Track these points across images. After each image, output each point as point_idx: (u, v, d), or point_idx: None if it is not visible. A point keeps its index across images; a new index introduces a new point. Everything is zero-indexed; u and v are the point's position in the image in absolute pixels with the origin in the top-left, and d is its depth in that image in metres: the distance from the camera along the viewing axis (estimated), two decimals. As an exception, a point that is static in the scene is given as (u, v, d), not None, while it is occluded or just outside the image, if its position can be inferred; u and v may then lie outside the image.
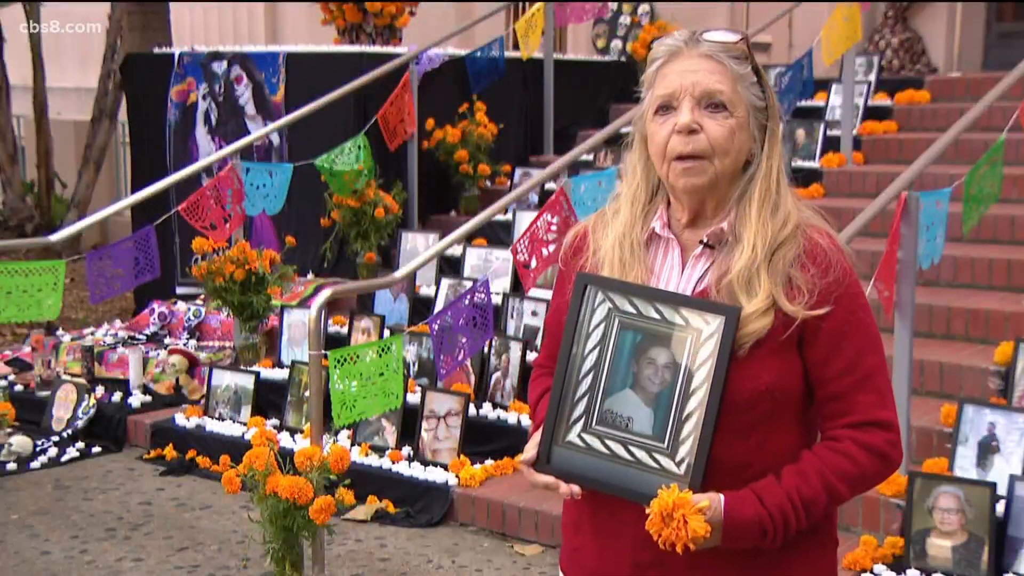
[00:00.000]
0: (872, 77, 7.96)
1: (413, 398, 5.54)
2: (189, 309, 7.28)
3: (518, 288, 6.20)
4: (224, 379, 6.12)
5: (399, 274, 5.19)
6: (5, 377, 6.88)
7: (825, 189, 6.93)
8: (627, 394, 1.86)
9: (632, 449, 1.85)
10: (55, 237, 5.92)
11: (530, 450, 1.94)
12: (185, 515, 5.16)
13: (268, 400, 6.08)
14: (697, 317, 1.83)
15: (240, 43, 12.22)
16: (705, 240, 1.93)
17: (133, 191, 7.63)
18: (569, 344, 1.91)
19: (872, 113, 7.64)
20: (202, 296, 7.25)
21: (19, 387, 6.70)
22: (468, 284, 5.92)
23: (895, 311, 4.43)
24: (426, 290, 6.81)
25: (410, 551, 4.74)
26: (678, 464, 1.82)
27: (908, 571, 4.12)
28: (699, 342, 1.82)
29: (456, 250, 6.93)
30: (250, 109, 7.95)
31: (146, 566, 4.61)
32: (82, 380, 6.49)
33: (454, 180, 7.93)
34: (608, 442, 1.87)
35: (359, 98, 7.39)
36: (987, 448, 4.36)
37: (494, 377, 5.71)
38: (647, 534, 1.78)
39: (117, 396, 6.42)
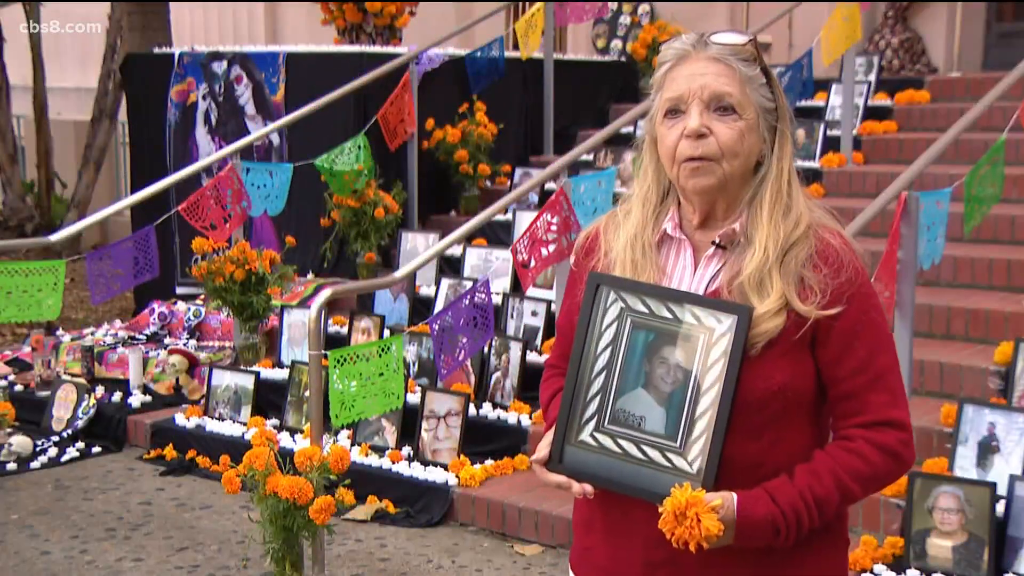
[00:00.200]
0: (872, 77, 7.96)
1: (413, 398, 5.53)
2: (189, 309, 7.28)
3: (518, 288, 6.20)
4: (224, 379, 6.12)
5: (399, 274, 5.19)
6: (5, 377, 6.88)
7: (825, 189, 6.93)
8: (639, 393, 1.87)
9: (644, 448, 1.86)
10: (55, 237, 5.92)
11: (542, 449, 1.94)
12: (185, 515, 5.16)
13: (268, 400, 6.08)
14: (709, 316, 1.84)
15: (240, 43, 12.22)
16: (717, 241, 1.94)
17: (133, 191, 7.63)
18: (581, 343, 1.91)
19: (872, 113, 7.64)
20: (202, 296, 7.25)
21: (19, 387, 6.70)
22: (468, 284, 5.92)
23: (895, 311, 4.43)
24: (426, 290, 6.81)
25: (410, 551, 4.74)
26: (691, 463, 1.83)
27: (908, 571, 4.12)
28: (711, 341, 1.83)
29: (456, 250, 6.93)
30: (250, 109, 7.95)
31: (146, 566, 4.61)
32: (82, 380, 6.50)
33: (454, 180, 7.93)
34: (621, 441, 1.87)
35: (359, 98, 7.39)
36: (987, 448, 4.36)
37: (494, 377, 5.71)
38: (659, 533, 1.79)
39: (117, 396, 6.42)
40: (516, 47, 8.14)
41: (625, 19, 10.27)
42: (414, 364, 5.97)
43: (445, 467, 5.19)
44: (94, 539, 4.89)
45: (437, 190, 7.94)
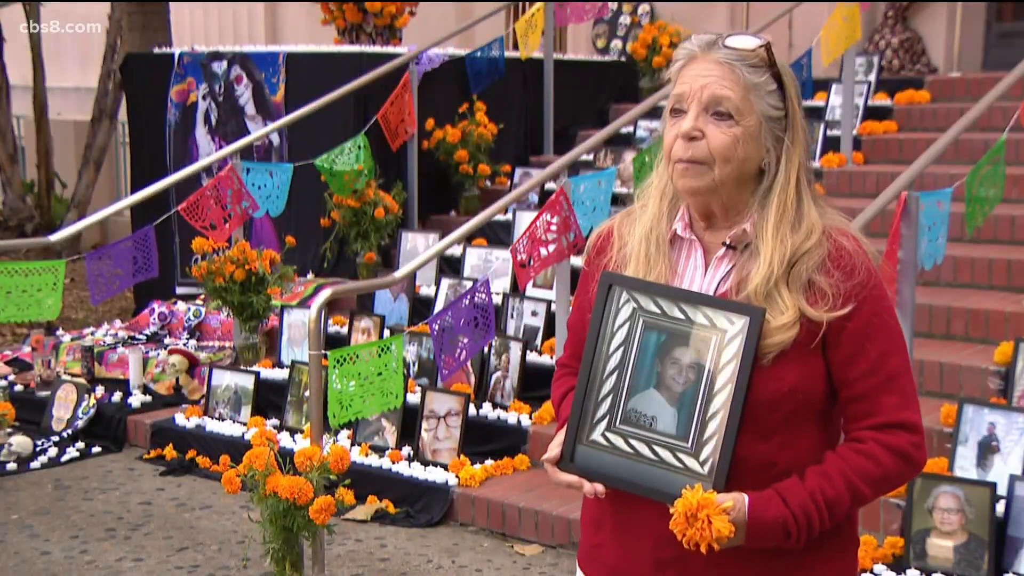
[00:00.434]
0: (872, 77, 7.96)
1: (413, 398, 5.54)
2: (189, 309, 7.28)
3: (518, 288, 6.20)
4: (224, 379, 6.12)
5: (399, 274, 5.19)
6: (5, 377, 6.88)
7: (825, 189, 6.92)
8: (651, 393, 1.87)
9: (656, 448, 1.86)
10: (55, 237, 5.92)
11: (554, 448, 1.94)
12: (185, 515, 5.16)
13: (268, 400, 6.08)
14: (722, 317, 1.84)
15: (240, 43, 12.22)
16: (728, 242, 1.94)
17: (133, 191, 7.63)
18: (593, 343, 1.92)
19: (872, 113, 7.64)
20: (202, 296, 7.25)
21: (19, 387, 6.70)
22: (468, 284, 5.92)
23: (895, 311, 4.43)
24: (426, 290, 6.81)
25: (410, 551, 4.74)
26: (702, 464, 1.83)
27: (908, 571, 4.12)
28: (723, 342, 1.83)
29: (456, 250, 6.93)
30: (250, 109, 7.95)
31: (146, 566, 4.61)
32: (82, 380, 6.50)
33: (454, 180, 7.93)
34: (632, 441, 1.87)
35: (359, 98, 7.39)
36: (987, 448, 4.36)
37: (494, 377, 5.71)
38: (669, 532, 1.79)
39: (117, 396, 6.42)
40: (516, 47, 8.14)
41: (625, 19, 10.26)
42: (414, 364, 5.97)
43: (445, 467, 5.19)
44: (94, 539, 4.89)
45: (437, 190, 7.94)
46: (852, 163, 7.11)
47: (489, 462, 5.24)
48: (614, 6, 10.25)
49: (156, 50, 8.79)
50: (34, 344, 7.02)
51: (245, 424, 5.90)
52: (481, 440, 5.36)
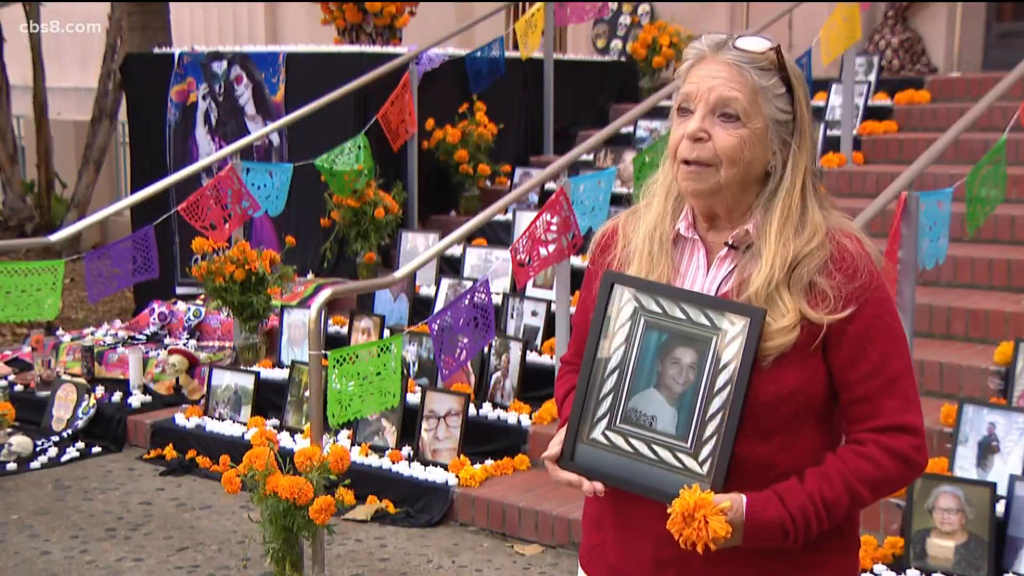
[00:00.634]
0: (872, 77, 7.96)
1: (413, 398, 5.54)
2: (189, 309, 7.28)
3: (517, 288, 6.20)
4: (224, 379, 6.12)
5: (399, 274, 5.19)
6: (5, 377, 6.88)
7: (825, 189, 6.90)
8: (651, 393, 1.88)
9: (655, 448, 1.86)
10: (55, 237, 5.92)
11: (554, 446, 1.95)
12: (185, 515, 5.16)
13: (268, 400, 6.08)
14: (722, 318, 1.84)
15: (240, 43, 12.22)
16: (730, 242, 1.93)
17: (133, 191, 7.63)
18: (595, 342, 1.92)
19: (872, 113, 7.64)
20: (202, 296, 7.25)
21: (19, 387, 6.70)
22: (468, 284, 5.92)
23: (898, 313, 4.43)
24: (426, 290, 6.81)
25: (410, 551, 4.74)
26: (701, 464, 1.83)
27: (908, 571, 4.12)
28: (724, 343, 1.83)
29: (456, 250, 6.93)
30: (250, 109, 7.95)
31: (146, 566, 4.61)
32: (82, 380, 6.50)
33: (454, 180, 7.93)
34: (632, 440, 1.88)
35: (359, 98, 7.39)
36: (987, 448, 4.36)
37: (494, 377, 5.71)
38: (669, 532, 1.79)
39: (117, 396, 6.42)
40: (516, 47, 8.14)
41: (625, 19, 10.26)
42: (414, 364, 5.97)
43: (445, 467, 5.19)
44: (94, 539, 4.89)
45: (437, 190, 7.94)
46: (852, 163, 7.11)
47: (489, 462, 5.24)
48: (614, 6, 10.24)
49: (156, 50, 8.79)
50: (34, 344, 7.02)
51: (245, 424, 5.90)
52: (481, 440, 5.36)
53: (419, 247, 7.12)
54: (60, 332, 7.48)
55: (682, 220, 1.98)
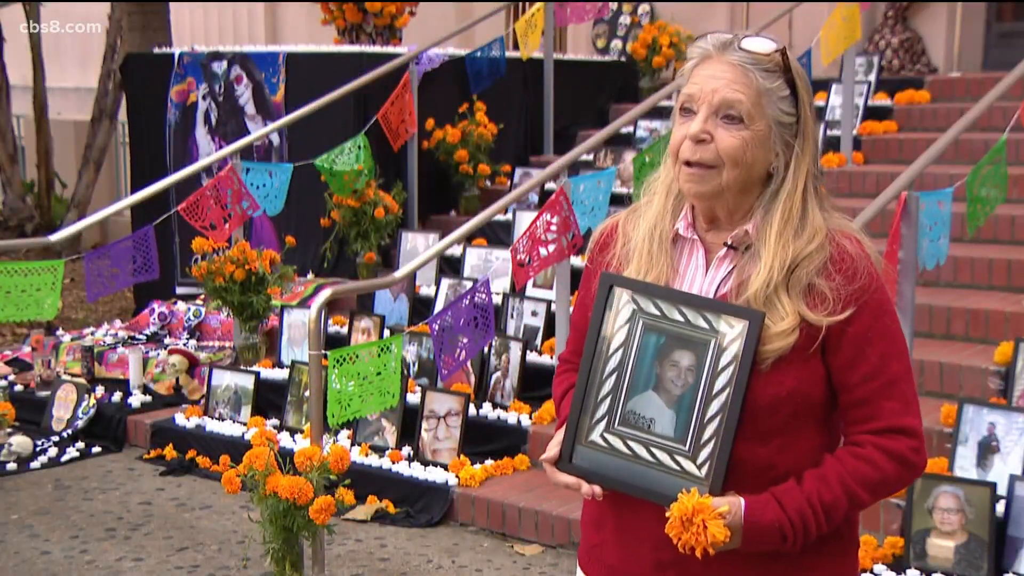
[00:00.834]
0: (872, 77, 7.96)
1: (413, 398, 5.54)
2: (189, 309, 7.28)
3: (516, 288, 6.20)
4: (224, 379, 6.12)
5: (399, 274, 5.19)
6: (5, 377, 6.88)
7: (825, 189, 6.91)
8: (650, 396, 1.87)
9: (654, 451, 1.86)
10: (55, 237, 5.92)
11: (552, 448, 1.94)
12: (185, 515, 5.16)
13: (268, 400, 6.08)
14: (721, 321, 1.84)
15: (240, 43, 12.22)
16: (729, 242, 1.93)
17: (133, 191, 7.63)
18: (593, 344, 1.92)
19: (872, 113, 7.64)
20: (202, 296, 7.25)
21: (19, 387, 6.70)
22: (468, 284, 5.92)
23: (897, 315, 4.43)
24: (426, 290, 6.81)
25: (410, 551, 4.74)
26: (699, 467, 1.83)
27: (908, 571, 4.12)
28: (722, 346, 1.83)
29: (456, 250, 6.93)
30: (250, 109, 7.95)
31: (146, 566, 4.61)
32: (82, 380, 6.49)
33: (454, 180, 7.93)
34: (630, 443, 1.87)
35: (359, 98, 7.39)
36: (987, 448, 4.36)
37: (494, 377, 5.71)
38: (668, 534, 1.79)
39: (117, 396, 6.42)
40: (516, 47, 8.14)
41: (625, 19, 10.26)
42: (414, 364, 5.97)
43: (445, 467, 5.19)
44: (94, 539, 4.89)
45: (437, 190, 7.94)
46: (852, 163, 7.11)
47: (489, 462, 5.24)
48: (614, 6, 10.24)
49: (156, 50, 8.79)
50: (34, 344, 7.02)
51: (245, 424, 5.90)
52: (481, 440, 5.36)
53: (419, 247, 7.12)
54: (60, 332, 7.48)
55: (681, 220, 1.97)
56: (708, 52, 1.90)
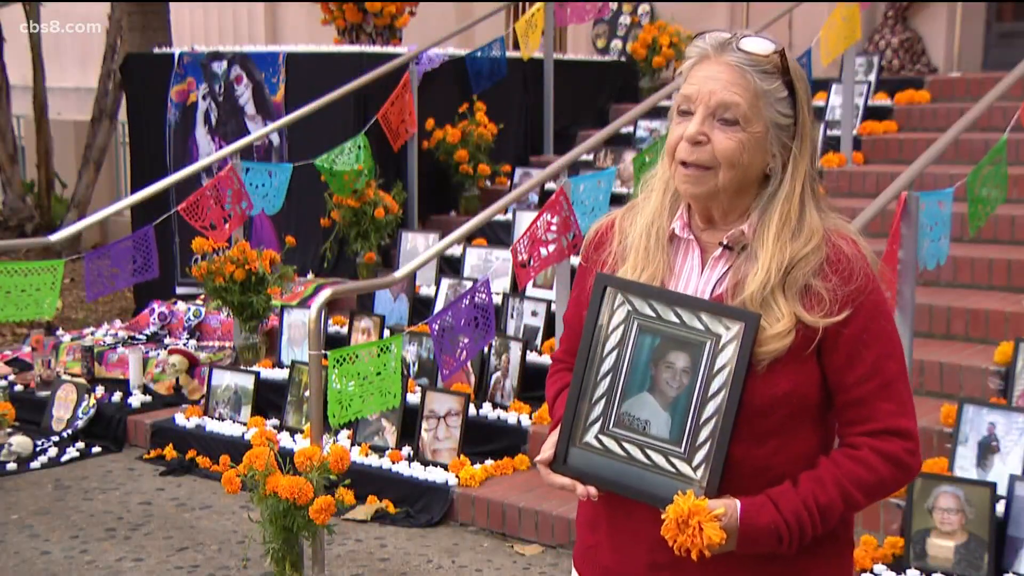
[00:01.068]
0: (872, 77, 7.96)
1: (413, 398, 5.54)
2: (189, 309, 7.28)
3: (518, 288, 6.20)
4: (224, 379, 6.12)
5: (399, 274, 5.19)
6: (5, 377, 6.88)
7: (825, 189, 6.88)
8: (645, 397, 1.86)
9: (649, 452, 1.86)
10: (55, 237, 5.92)
11: (547, 450, 1.94)
12: (185, 515, 5.16)
13: (268, 400, 6.08)
14: (717, 322, 1.83)
15: (240, 43, 12.22)
16: (724, 242, 1.92)
17: (133, 191, 7.63)
18: (588, 345, 1.91)
19: (872, 113, 7.64)
20: (202, 296, 7.25)
21: (19, 387, 6.70)
22: (468, 284, 5.92)
23: (895, 311, 4.43)
24: (426, 290, 6.81)
25: (410, 551, 4.74)
26: (695, 468, 1.82)
27: (908, 571, 4.12)
28: (718, 347, 1.82)
29: (456, 250, 6.93)
30: (250, 109, 7.95)
31: (146, 566, 4.61)
32: (82, 380, 6.49)
33: (454, 180, 7.93)
34: (625, 444, 1.87)
35: (359, 98, 7.39)
36: (987, 448, 4.36)
37: (494, 377, 5.71)
38: (664, 536, 1.79)
39: (117, 396, 6.42)
40: (516, 47, 8.14)
41: (625, 19, 10.26)
42: (414, 364, 5.97)
43: (445, 467, 5.19)
44: (94, 539, 4.89)
45: (437, 190, 7.94)
46: (852, 163, 7.11)
47: (489, 462, 5.24)
48: (614, 6, 10.25)
49: (156, 50, 8.79)
50: (34, 344, 7.02)
51: (245, 424, 5.90)
52: (481, 440, 5.36)
53: (419, 247, 7.12)
54: (60, 332, 7.48)
55: (677, 219, 1.97)
56: (706, 52, 1.90)
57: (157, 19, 10.12)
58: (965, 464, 4.38)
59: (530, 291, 6.32)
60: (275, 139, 7.77)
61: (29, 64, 12.11)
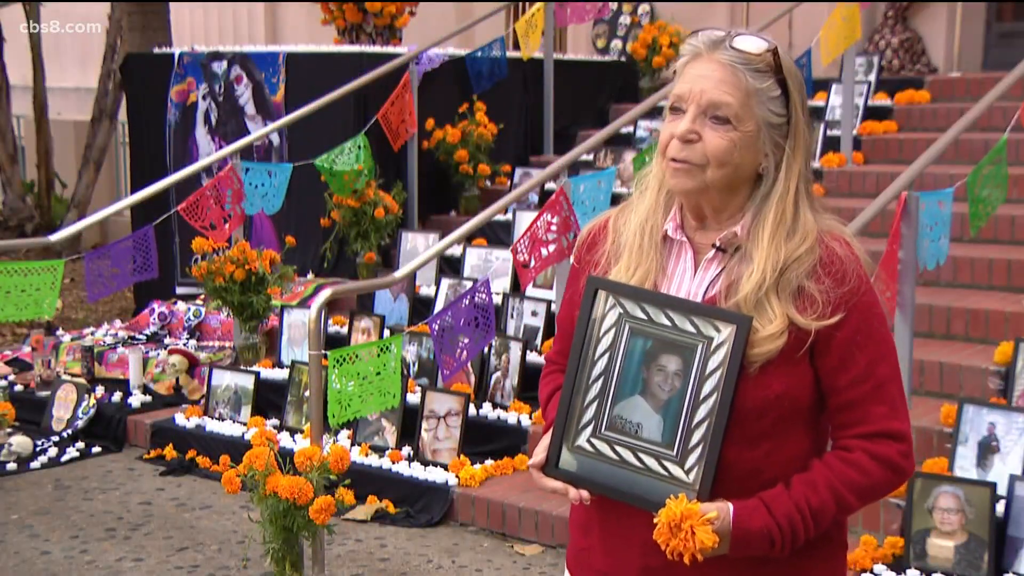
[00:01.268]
0: (872, 77, 7.96)
1: (413, 398, 5.54)
2: (189, 309, 7.28)
3: (518, 288, 6.20)
4: (224, 379, 6.12)
5: (399, 274, 5.19)
6: (5, 377, 6.88)
7: (825, 189, 6.92)
8: (637, 400, 1.86)
9: (641, 456, 1.85)
10: (55, 237, 5.92)
11: (539, 453, 1.93)
12: (185, 515, 5.16)
13: (268, 400, 6.08)
14: (708, 325, 1.82)
15: (240, 43, 12.22)
16: (717, 244, 1.92)
17: (133, 191, 7.63)
18: (579, 348, 1.90)
19: (872, 113, 7.64)
20: (202, 296, 7.25)
21: (19, 387, 6.70)
22: (468, 284, 5.92)
23: (895, 311, 4.43)
24: (426, 290, 6.81)
25: (410, 551, 4.74)
26: (687, 472, 1.82)
27: (908, 571, 4.12)
28: (710, 350, 1.82)
29: (456, 250, 6.93)
30: (250, 109, 7.95)
31: (146, 566, 4.61)
32: (82, 380, 6.49)
33: (454, 180, 7.93)
34: (617, 448, 1.86)
35: (359, 98, 7.39)
36: (987, 448, 4.36)
37: (494, 377, 5.71)
38: (656, 540, 1.78)
39: (117, 396, 6.42)
40: (516, 47, 8.14)
41: (625, 19, 10.26)
42: (414, 364, 5.97)
43: (445, 467, 5.19)
44: (94, 539, 4.89)
45: (437, 190, 7.94)
46: (852, 163, 7.11)
47: (489, 462, 5.24)
48: (614, 6, 10.25)
49: (156, 50, 8.79)
50: (34, 344, 7.02)
51: (245, 424, 5.90)
52: (481, 440, 5.36)
53: (419, 247, 7.12)
54: (60, 332, 7.48)
55: (670, 220, 1.96)
56: (699, 50, 1.89)
57: (157, 19, 10.12)
58: (965, 464, 4.38)
59: (530, 291, 6.32)
60: (275, 139, 7.77)
61: (29, 64, 12.12)
